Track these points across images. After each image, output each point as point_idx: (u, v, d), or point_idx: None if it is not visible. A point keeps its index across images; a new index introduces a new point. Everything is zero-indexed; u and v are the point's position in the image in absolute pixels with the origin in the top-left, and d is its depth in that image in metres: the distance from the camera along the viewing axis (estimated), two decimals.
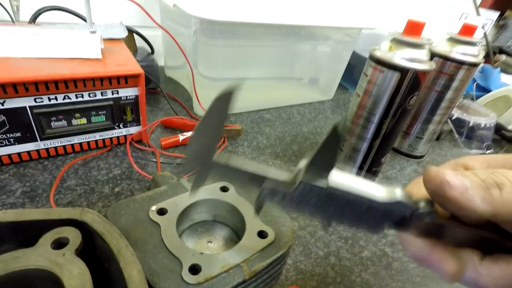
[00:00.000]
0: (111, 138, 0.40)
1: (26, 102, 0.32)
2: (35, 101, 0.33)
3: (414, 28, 0.34)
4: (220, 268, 0.20)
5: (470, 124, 0.59)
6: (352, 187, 0.16)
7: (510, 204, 0.13)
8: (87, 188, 0.34)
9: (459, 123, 0.61)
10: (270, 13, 0.46)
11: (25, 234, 0.18)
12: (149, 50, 0.59)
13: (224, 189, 0.26)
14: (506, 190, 0.13)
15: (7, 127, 0.33)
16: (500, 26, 1.29)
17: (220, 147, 0.45)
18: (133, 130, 0.41)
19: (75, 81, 0.33)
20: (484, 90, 0.84)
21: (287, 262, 0.30)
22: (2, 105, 0.31)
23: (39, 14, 0.45)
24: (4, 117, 0.32)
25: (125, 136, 0.41)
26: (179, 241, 0.21)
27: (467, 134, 0.60)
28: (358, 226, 0.17)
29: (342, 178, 0.16)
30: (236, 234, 0.25)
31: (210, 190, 0.26)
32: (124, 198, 0.34)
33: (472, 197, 0.14)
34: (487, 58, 1.03)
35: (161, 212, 0.22)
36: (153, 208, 0.22)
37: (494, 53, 1.16)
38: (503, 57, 1.15)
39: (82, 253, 0.17)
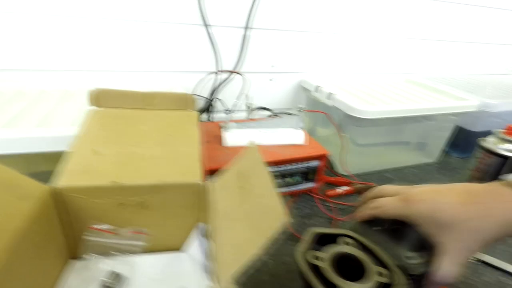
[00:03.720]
0: (302, 189, 0.66)
1: None
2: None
3: None
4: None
5: None
6: None
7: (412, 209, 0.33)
8: (299, 219, 0.59)
9: None
10: (404, 106, 0.69)
11: None
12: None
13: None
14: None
15: None
16: None
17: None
18: (312, 184, 0.66)
19: (292, 159, 0.61)
20: None
21: None
22: None
23: (256, 110, 0.75)
24: None
25: (310, 188, 0.66)
26: None
27: None
28: None
29: None
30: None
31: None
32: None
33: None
34: None
35: None
36: None
37: None
38: None
39: None
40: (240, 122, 0.67)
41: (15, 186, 0.26)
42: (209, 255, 0.25)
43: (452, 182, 0.35)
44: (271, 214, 0.22)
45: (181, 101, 0.35)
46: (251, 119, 0.74)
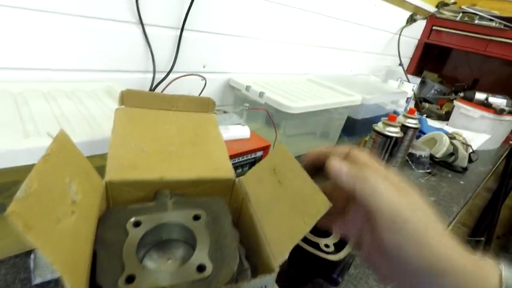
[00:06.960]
0: None
1: None
2: None
3: (392, 117, 0.76)
4: (149, 285, 0.23)
5: (416, 156, 1.04)
6: None
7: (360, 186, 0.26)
8: None
9: (410, 155, 1.05)
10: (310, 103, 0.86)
11: None
12: None
13: (196, 217, 0.30)
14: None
15: None
16: (422, 82, 1.86)
17: None
18: None
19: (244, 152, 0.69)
20: (421, 132, 1.32)
21: None
22: None
23: None
24: None
25: None
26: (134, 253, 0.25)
27: (415, 160, 1.05)
28: None
29: None
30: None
31: (185, 216, 0.30)
32: None
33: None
34: (417, 107, 1.55)
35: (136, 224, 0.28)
36: (132, 220, 0.28)
37: (421, 102, 1.70)
38: (427, 105, 1.70)
39: None
40: None
41: (90, 177, 0.27)
42: (257, 237, 0.30)
43: None
44: (313, 200, 0.26)
45: (203, 104, 0.39)
46: None
